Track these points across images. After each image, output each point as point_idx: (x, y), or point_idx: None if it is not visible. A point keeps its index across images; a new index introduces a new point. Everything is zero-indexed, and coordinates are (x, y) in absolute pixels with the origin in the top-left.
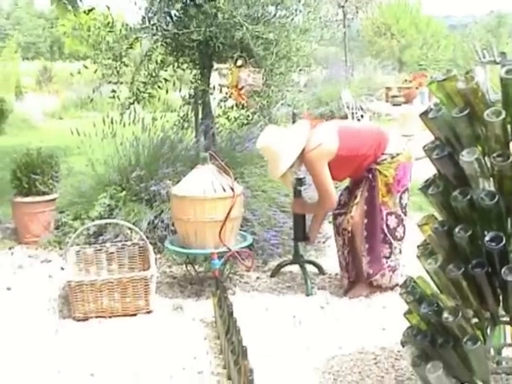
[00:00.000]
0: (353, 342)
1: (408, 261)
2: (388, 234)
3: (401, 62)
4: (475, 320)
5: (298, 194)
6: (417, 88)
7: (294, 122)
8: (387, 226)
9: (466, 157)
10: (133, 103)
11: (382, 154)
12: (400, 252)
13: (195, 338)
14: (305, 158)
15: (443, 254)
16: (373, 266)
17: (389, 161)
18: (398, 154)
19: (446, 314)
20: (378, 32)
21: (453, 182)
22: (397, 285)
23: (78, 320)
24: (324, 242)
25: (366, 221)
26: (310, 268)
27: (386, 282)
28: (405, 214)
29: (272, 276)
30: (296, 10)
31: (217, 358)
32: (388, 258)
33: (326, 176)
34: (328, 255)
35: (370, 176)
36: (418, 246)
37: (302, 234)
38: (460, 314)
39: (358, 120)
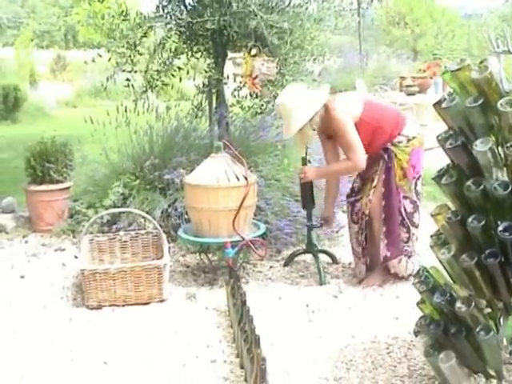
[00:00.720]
0: (366, 332)
1: (421, 250)
2: (406, 218)
3: (415, 52)
4: (488, 310)
5: (304, 162)
6: (431, 78)
7: None
8: (404, 209)
9: (480, 147)
10: (146, 91)
11: (399, 134)
12: (416, 239)
13: (208, 327)
14: (331, 115)
15: (456, 243)
16: (390, 249)
17: (405, 144)
18: (413, 138)
19: (458, 304)
20: (392, 21)
21: (466, 172)
22: (411, 275)
23: (92, 308)
24: (337, 232)
25: (383, 203)
26: (323, 257)
27: (403, 269)
28: (419, 201)
29: (285, 265)
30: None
31: (230, 346)
32: (406, 242)
33: (354, 134)
34: (341, 245)
35: (386, 157)
36: (431, 236)
37: (311, 201)
38: (473, 303)
39: None
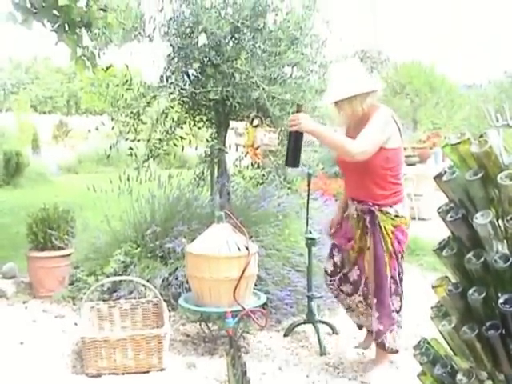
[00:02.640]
0: None
1: (421, 322)
2: (400, 285)
3: (415, 121)
4: (489, 382)
5: (299, 109)
6: (431, 148)
7: (308, 182)
8: (399, 275)
9: (480, 219)
10: (148, 159)
11: (390, 205)
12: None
13: None
14: (371, 112)
15: (457, 315)
16: (383, 322)
17: (391, 216)
18: (401, 216)
19: (459, 376)
20: (392, 91)
21: (467, 244)
22: (397, 351)
23: (91, 376)
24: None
25: (373, 272)
26: (323, 328)
27: (391, 341)
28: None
29: (285, 335)
30: (312, 71)
31: None
32: (398, 312)
33: (377, 132)
34: (341, 315)
35: (368, 220)
36: (432, 308)
37: (295, 157)
38: (474, 375)
39: None
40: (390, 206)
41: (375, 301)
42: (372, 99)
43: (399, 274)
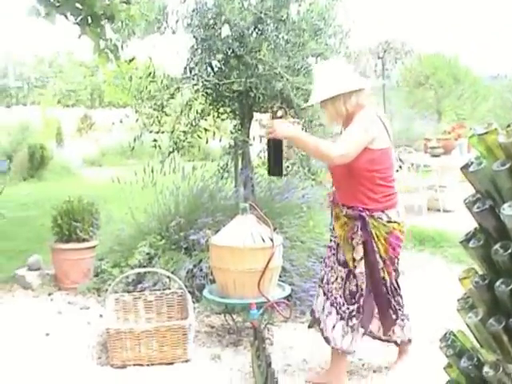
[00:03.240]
0: None
1: (447, 314)
2: (398, 285)
3: (439, 112)
4: None
5: (275, 116)
6: (456, 139)
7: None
8: (397, 275)
9: (508, 210)
10: (173, 152)
11: (382, 211)
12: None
13: None
14: (357, 105)
15: (484, 307)
16: (384, 324)
17: (383, 222)
18: (394, 222)
19: (486, 369)
20: (416, 82)
21: (494, 236)
22: (409, 340)
23: (116, 367)
24: None
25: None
26: None
27: (406, 333)
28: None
29: (310, 327)
30: None
31: None
32: (402, 308)
33: (357, 134)
34: None
35: (360, 226)
36: (458, 300)
37: (278, 165)
38: (501, 368)
39: (397, 171)
40: (382, 211)
41: (376, 310)
42: (357, 99)
43: (397, 275)
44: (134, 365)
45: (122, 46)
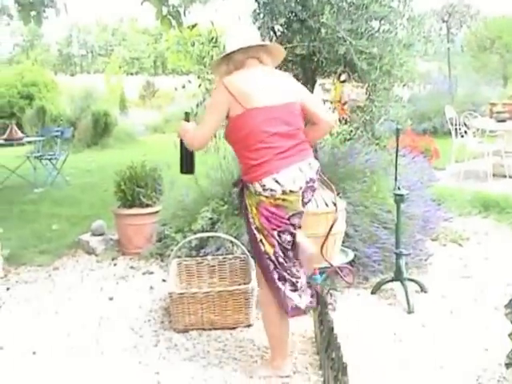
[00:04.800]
0: (454, 362)
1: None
2: (288, 259)
3: (505, 77)
4: None
5: (187, 117)
6: None
7: (397, 138)
8: (284, 248)
9: None
10: None
11: (251, 180)
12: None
13: (295, 353)
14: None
15: None
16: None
17: (252, 193)
18: (259, 194)
19: None
20: (481, 47)
21: None
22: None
23: (179, 332)
24: (426, 260)
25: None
26: (411, 286)
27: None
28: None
29: (373, 293)
30: (400, 25)
31: (316, 373)
32: (297, 280)
33: (210, 114)
34: (430, 273)
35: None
36: None
37: (188, 164)
38: None
39: (462, 136)
40: (251, 183)
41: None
42: (240, 58)
43: (284, 249)
44: (196, 329)
45: (184, 12)
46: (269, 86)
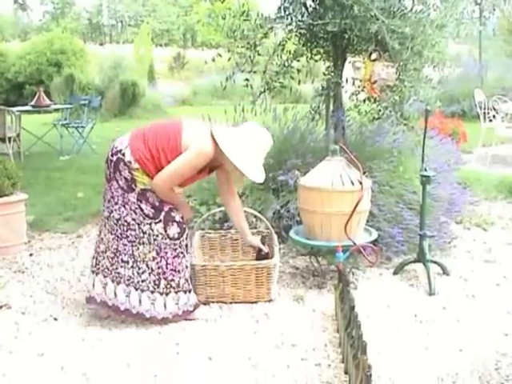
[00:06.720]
0: (474, 346)
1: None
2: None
3: None
4: None
5: None
6: None
7: (426, 119)
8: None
9: None
10: (264, 92)
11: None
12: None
13: (314, 330)
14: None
15: None
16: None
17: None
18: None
19: None
20: None
21: None
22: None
23: (200, 303)
24: (450, 242)
25: None
26: (434, 268)
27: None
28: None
29: (395, 273)
30: (433, 6)
31: (335, 351)
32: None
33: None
34: (453, 256)
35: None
36: None
37: None
38: None
39: (490, 120)
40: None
41: None
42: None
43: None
44: (218, 302)
45: None
46: None
